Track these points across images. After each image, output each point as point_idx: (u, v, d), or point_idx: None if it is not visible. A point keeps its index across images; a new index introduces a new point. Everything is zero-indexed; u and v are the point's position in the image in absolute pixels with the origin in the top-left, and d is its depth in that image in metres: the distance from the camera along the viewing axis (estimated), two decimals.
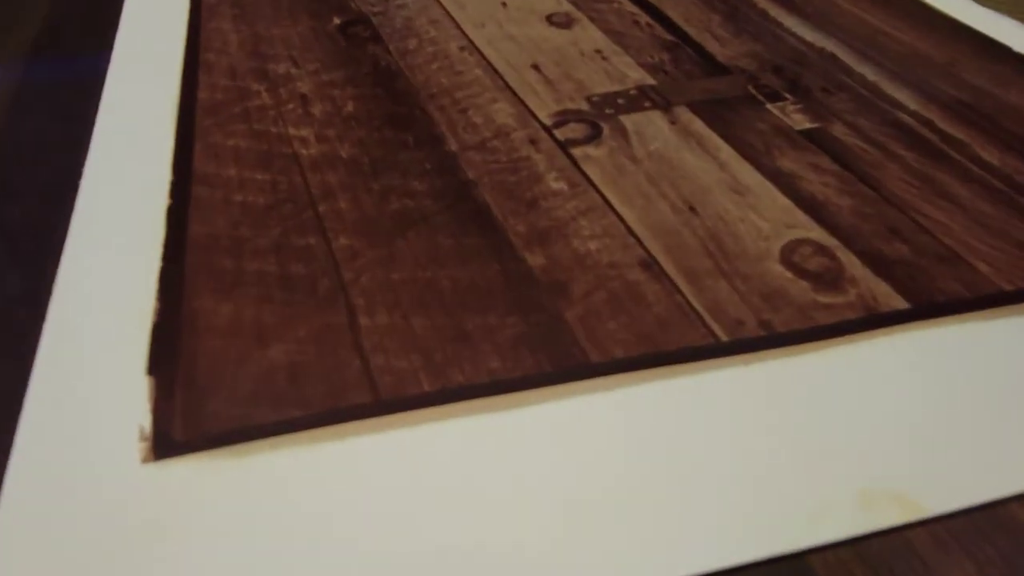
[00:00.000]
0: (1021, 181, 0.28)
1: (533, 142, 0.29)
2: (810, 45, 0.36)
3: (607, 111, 0.31)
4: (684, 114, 0.31)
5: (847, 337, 0.22)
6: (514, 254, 0.24)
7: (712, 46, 0.36)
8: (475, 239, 0.25)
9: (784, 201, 0.27)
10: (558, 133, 0.30)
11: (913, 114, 0.32)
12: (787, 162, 0.29)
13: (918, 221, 0.26)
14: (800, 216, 0.26)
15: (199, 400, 0.19)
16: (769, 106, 0.32)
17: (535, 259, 0.24)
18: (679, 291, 0.23)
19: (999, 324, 0.23)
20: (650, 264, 0.24)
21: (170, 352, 0.21)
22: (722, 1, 0.40)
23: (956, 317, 0.23)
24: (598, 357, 0.21)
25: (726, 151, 0.29)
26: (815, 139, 0.30)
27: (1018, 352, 0.22)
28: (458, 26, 0.37)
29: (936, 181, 0.28)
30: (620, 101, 0.32)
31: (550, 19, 0.37)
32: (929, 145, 0.30)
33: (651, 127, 0.30)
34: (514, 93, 0.32)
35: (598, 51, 0.35)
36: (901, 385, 0.21)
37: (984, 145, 0.30)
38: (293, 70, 0.33)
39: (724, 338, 0.22)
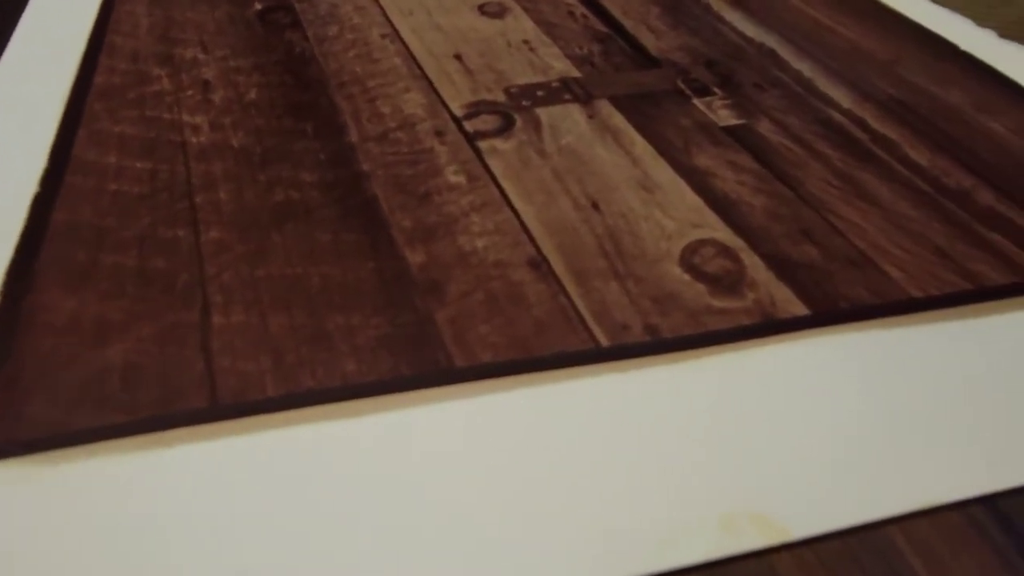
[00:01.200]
0: (948, 183, 0.27)
1: (439, 134, 0.28)
2: (749, 40, 0.35)
3: (524, 103, 0.30)
4: (604, 108, 0.30)
5: (737, 344, 0.21)
6: (394, 251, 0.23)
7: (647, 38, 0.34)
8: (355, 234, 0.23)
9: (694, 199, 0.26)
10: (468, 125, 0.29)
11: (846, 112, 0.30)
12: (705, 159, 0.27)
13: (833, 223, 0.25)
14: (709, 216, 0.25)
15: (19, 402, 0.18)
16: (696, 101, 0.31)
17: (415, 257, 0.23)
18: (565, 292, 0.22)
19: (902, 333, 0.22)
20: (539, 263, 0.23)
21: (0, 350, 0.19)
22: None
23: (857, 325, 0.22)
24: (463, 361, 0.20)
25: (642, 146, 0.28)
26: (738, 136, 0.29)
27: (917, 365, 0.21)
28: (384, 14, 0.35)
29: (859, 182, 0.27)
30: (539, 93, 0.30)
31: (482, 8, 0.36)
32: (857, 145, 0.29)
33: (567, 120, 0.29)
34: (430, 83, 0.31)
35: (526, 42, 0.34)
36: (786, 398, 0.20)
37: (915, 145, 0.29)
38: (201, 55, 0.31)
39: (605, 343, 0.21)
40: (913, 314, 0.22)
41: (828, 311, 0.22)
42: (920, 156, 0.28)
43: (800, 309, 0.22)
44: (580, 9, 0.36)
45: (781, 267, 0.23)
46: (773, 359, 0.21)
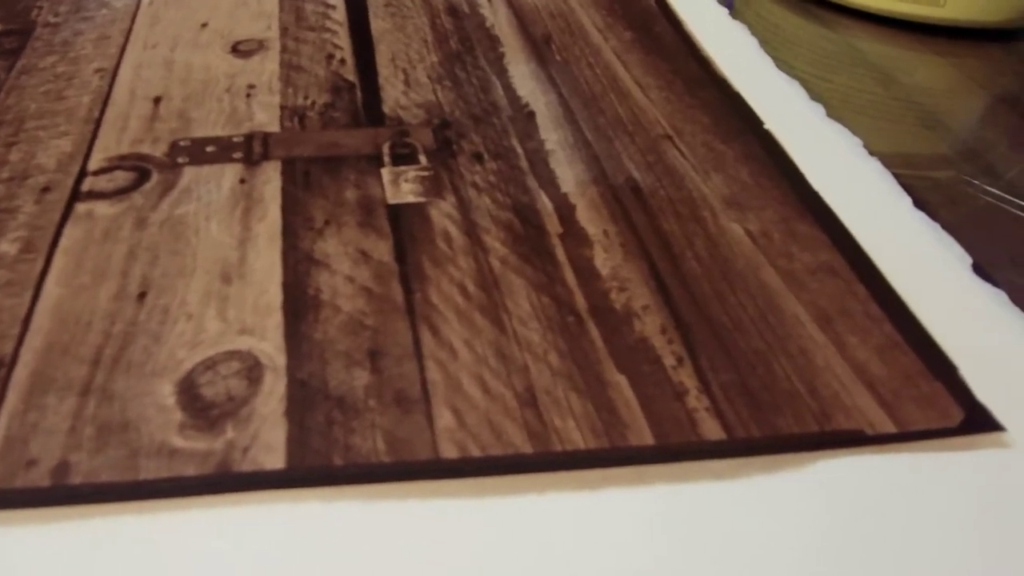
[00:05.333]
0: (614, 302, 0.21)
1: (45, 190, 0.24)
2: (516, 100, 0.30)
3: (179, 160, 0.26)
4: (268, 172, 0.26)
5: (172, 501, 0.17)
6: None
7: (391, 92, 0.30)
8: None
9: (273, 298, 0.21)
10: (90, 181, 0.25)
11: (558, 197, 0.25)
12: (334, 245, 0.23)
13: (421, 346, 0.20)
14: (272, 320, 0.20)
15: None
16: (385, 171, 0.26)
17: None
18: None
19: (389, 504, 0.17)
20: (2, 365, 0.19)
21: None
22: (460, 41, 0.34)
23: (334, 490, 0.17)
24: None
25: (269, 224, 0.24)
26: (400, 218, 0.24)
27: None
28: (124, 47, 0.32)
29: (501, 292, 0.21)
30: (208, 149, 0.26)
31: (236, 47, 0.32)
32: (539, 242, 0.23)
33: (208, 184, 0.25)
34: (96, 129, 0.27)
35: (252, 87, 0.30)
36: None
37: (610, 248, 0.23)
38: None
39: None
40: (452, 479, 0.17)
41: (316, 468, 0.17)
42: (607, 262, 0.23)
43: (276, 461, 0.17)
44: (342, 54, 0.32)
45: (306, 400, 0.18)
46: (195, 528, 0.16)
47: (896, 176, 0.27)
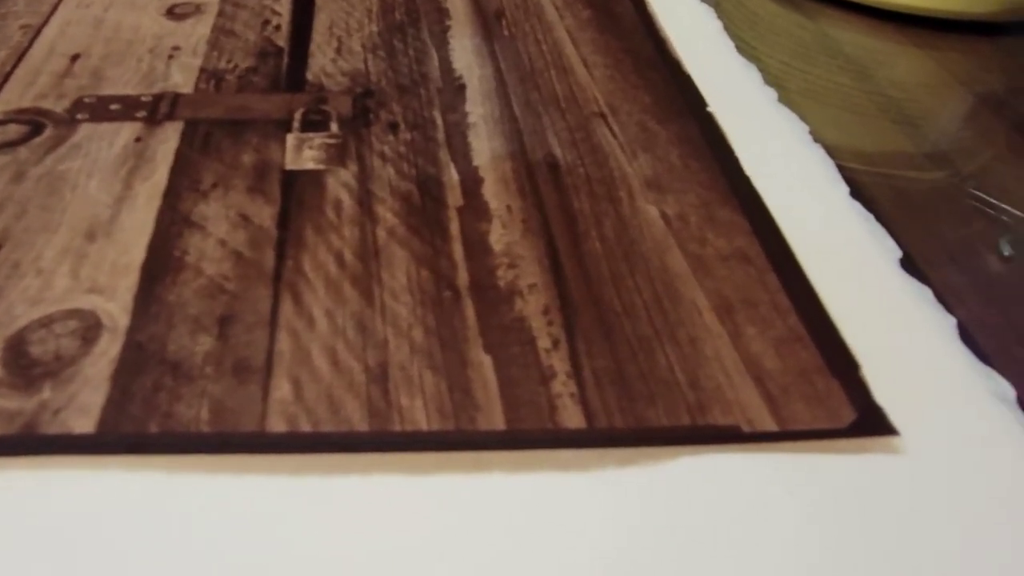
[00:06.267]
0: (499, 280, 0.20)
1: None
2: (450, 71, 0.28)
3: (78, 116, 0.25)
4: (168, 133, 0.24)
5: None
6: None
7: (319, 60, 0.29)
8: None
9: (135, 257, 0.20)
10: None
11: (468, 171, 0.24)
12: (215, 208, 0.22)
13: (278, 313, 0.19)
14: (127, 280, 0.19)
15: None
16: (291, 136, 0.25)
17: None
18: None
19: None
20: None
21: None
22: (407, 13, 0.32)
23: (142, 459, 0.15)
24: None
25: (153, 184, 0.22)
26: (294, 184, 0.23)
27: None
28: (57, 5, 0.31)
29: (379, 263, 0.20)
30: (113, 107, 0.25)
31: (172, 9, 0.31)
32: (435, 215, 0.22)
33: (101, 142, 0.24)
34: (3, 82, 0.26)
35: (177, 49, 0.29)
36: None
37: (509, 223, 0.22)
38: None
39: None
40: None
41: (126, 434, 0.16)
42: (503, 237, 0.21)
43: (87, 425, 0.16)
44: (279, 20, 0.31)
45: (138, 364, 0.17)
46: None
47: (846, 168, 0.26)
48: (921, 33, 0.36)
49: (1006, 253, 0.22)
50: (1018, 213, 0.24)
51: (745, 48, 0.33)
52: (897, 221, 0.24)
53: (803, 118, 0.28)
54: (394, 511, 0.15)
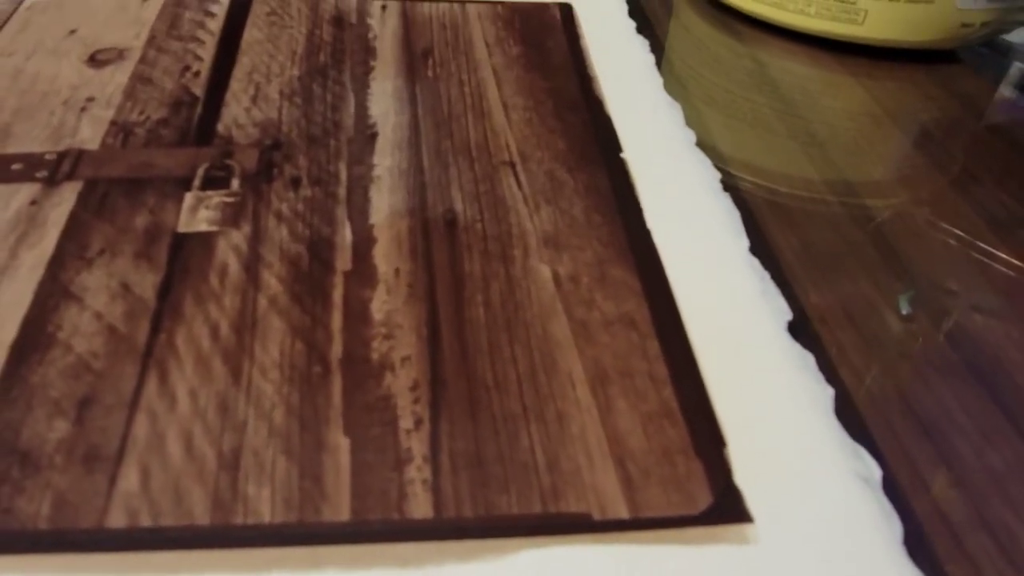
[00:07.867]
0: (373, 351, 0.19)
1: None
2: (365, 119, 0.28)
3: None
4: (64, 195, 0.24)
5: None
6: None
7: (234, 109, 0.28)
8: None
9: (5, 335, 0.20)
10: None
11: (363, 230, 0.23)
12: (97, 276, 0.21)
13: (140, 395, 0.18)
14: None
15: None
16: (190, 195, 0.24)
17: None
18: None
19: None
20: None
21: None
22: (332, 54, 0.32)
23: None
24: None
25: (39, 252, 0.22)
26: (180, 248, 0.22)
27: None
28: None
29: (246, 341, 0.20)
30: (15, 167, 0.25)
31: (95, 56, 0.31)
32: (319, 281, 0.22)
33: None
34: None
35: (90, 100, 0.29)
36: None
37: (395, 288, 0.21)
38: None
39: None
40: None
41: None
42: (385, 305, 0.21)
43: None
44: (200, 66, 0.31)
45: None
46: None
47: (751, 195, 0.25)
48: (859, 62, 0.35)
49: (904, 312, 0.22)
50: (921, 264, 0.24)
51: (683, 71, 0.33)
52: (795, 270, 0.23)
53: (717, 145, 0.28)
54: None
